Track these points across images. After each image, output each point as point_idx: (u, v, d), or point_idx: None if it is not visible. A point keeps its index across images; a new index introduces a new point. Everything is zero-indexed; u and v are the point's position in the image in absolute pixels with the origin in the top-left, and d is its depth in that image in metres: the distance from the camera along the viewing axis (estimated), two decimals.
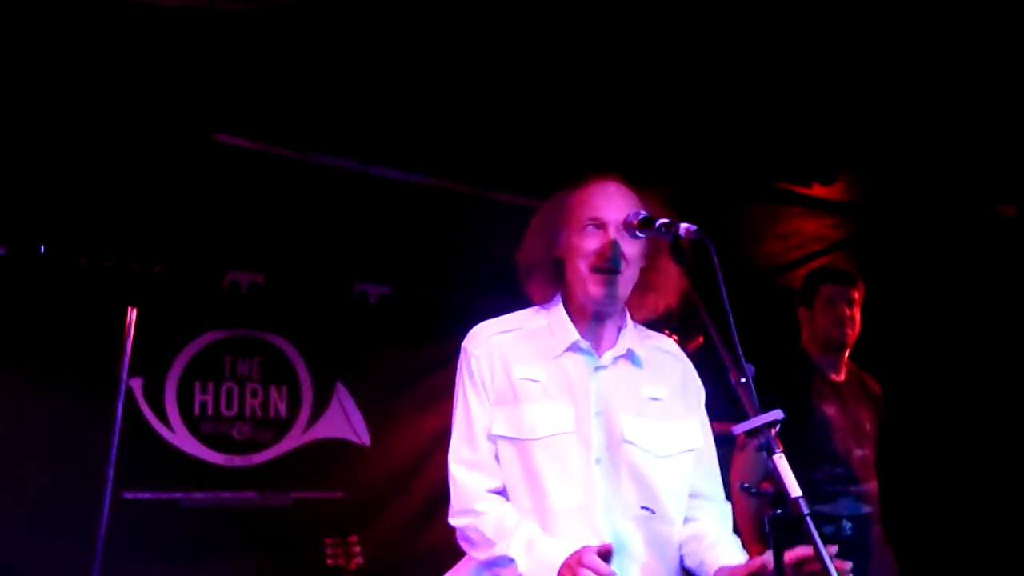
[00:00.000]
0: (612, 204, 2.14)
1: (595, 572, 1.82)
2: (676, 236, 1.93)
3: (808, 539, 1.59)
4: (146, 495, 4.31)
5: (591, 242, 2.11)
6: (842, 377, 3.49)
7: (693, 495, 2.22)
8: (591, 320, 2.17)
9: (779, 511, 1.64)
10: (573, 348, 2.15)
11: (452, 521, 2.12)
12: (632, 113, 3.63)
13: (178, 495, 4.41)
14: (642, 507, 2.07)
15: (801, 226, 4.82)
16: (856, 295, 3.48)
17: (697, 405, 2.28)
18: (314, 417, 4.86)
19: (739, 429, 1.68)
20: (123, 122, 3.45)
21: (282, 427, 4.79)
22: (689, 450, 2.19)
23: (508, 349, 2.16)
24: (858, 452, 3.35)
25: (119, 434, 3.07)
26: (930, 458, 4.83)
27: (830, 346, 3.47)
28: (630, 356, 2.19)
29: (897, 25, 3.15)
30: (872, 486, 3.36)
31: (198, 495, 4.46)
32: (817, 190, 4.22)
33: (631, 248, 2.11)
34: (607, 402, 2.11)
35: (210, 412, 4.62)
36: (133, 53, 3.08)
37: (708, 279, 1.85)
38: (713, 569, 2.06)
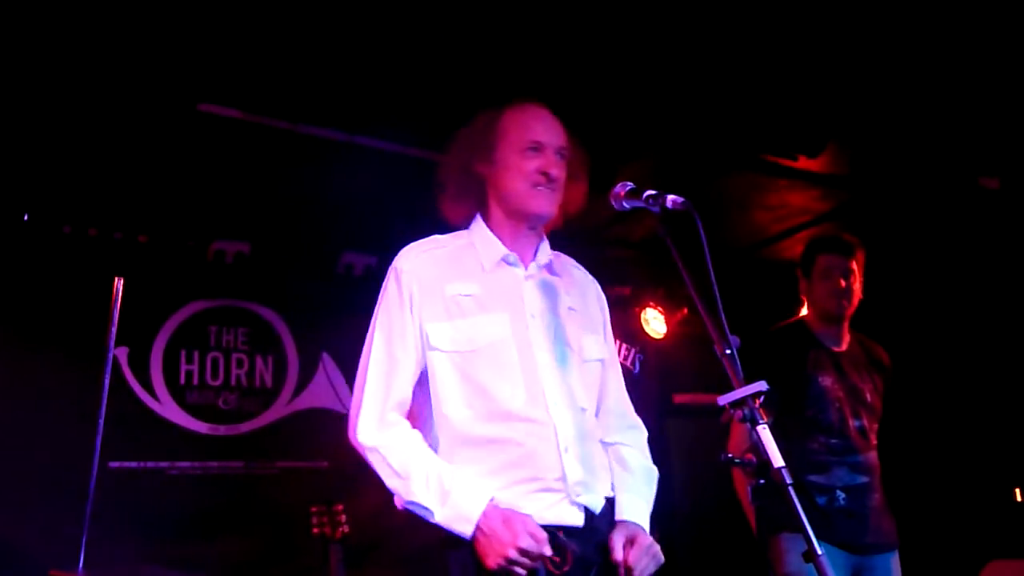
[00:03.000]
0: (550, 130, 2.23)
1: (533, 557, 1.89)
2: (663, 207, 1.94)
3: (791, 509, 1.60)
4: (132, 464, 4.32)
5: (533, 163, 2.18)
6: (843, 347, 3.49)
7: (620, 415, 2.33)
8: (519, 235, 2.24)
9: (762, 481, 1.66)
10: (503, 261, 2.22)
11: (354, 438, 2.16)
12: (619, 83, 3.62)
13: (164, 464, 4.42)
14: (580, 407, 2.16)
15: (787, 198, 4.84)
16: (854, 265, 3.45)
17: (602, 319, 2.38)
18: (300, 387, 4.87)
19: (724, 400, 1.69)
20: (108, 91, 3.42)
21: (268, 397, 4.79)
22: (598, 359, 2.29)
23: (438, 266, 2.20)
24: (855, 423, 3.36)
25: (106, 404, 3.07)
26: (921, 431, 4.88)
27: (828, 317, 3.46)
28: (549, 267, 2.29)
29: None
30: (870, 456, 3.37)
31: (184, 464, 4.47)
32: (803, 162, 4.23)
33: (563, 171, 2.22)
34: (541, 307, 2.21)
35: (196, 382, 4.63)
36: (118, 21, 3.05)
37: (694, 250, 1.86)
38: (620, 513, 2.15)
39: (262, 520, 4.53)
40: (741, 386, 1.68)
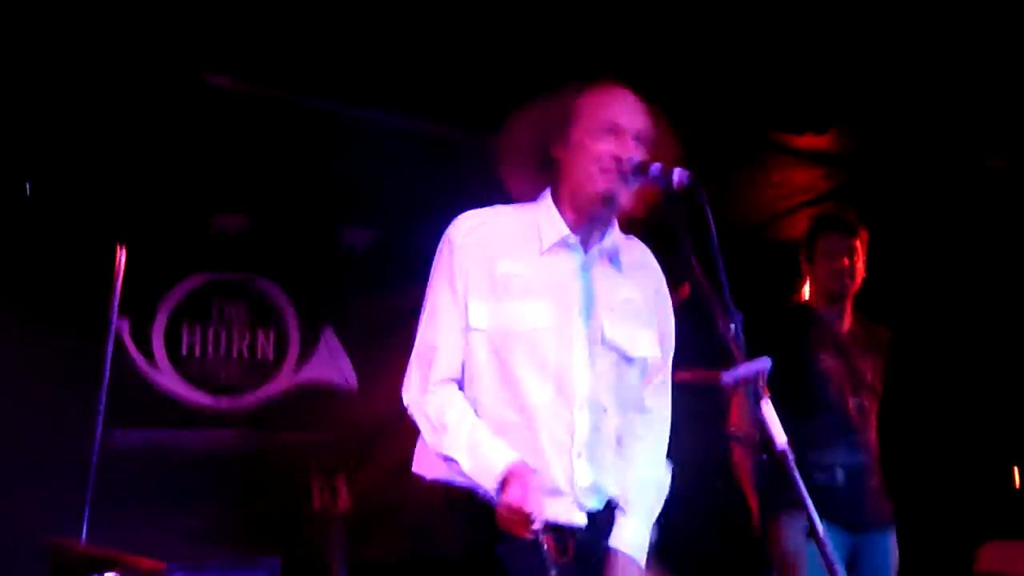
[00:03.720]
0: (630, 112, 2.12)
1: (533, 517, 1.86)
2: (669, 182, 1.92)
3: (792, 485, 1.61)
4: (134, 434, 4.33)
5: (607, 146, 2.07)
6: (845, 327, 3.48)
7: (643, 409, 2.25)
8: (585, 219, 2.15)
9: (764, 458, 1.66)
10: (561, 244, 2.14)
11: (404, 400, 2.17)
12: (624, 59, 3.59)
13: (165, 434, 4.43)
14: (604, 408, 2.11)
15: (791, 176, 4.82)
16: (857, 244, 3.42)
17: (665, 318, 2.29)
18: (302, 360, 4.88)
19: (727, 377, 1.69)
20: (111, 61, 3.40)
21: (269, 370, 4.80)
22: (646, 356, 2.21)
23: (493, 241, 2.13)
24: (855, 402, 3.36)
25: (108, 374, 3.07)
26: (921, 411, 4.88)
27: (831, 296, 3.45)
28: (613, 255, 2.20)
29: None
30: (869, 436, 3.38)
31: (185, 435, 4.49)
32: (808, 140, 4.21)
33: (640, 157, 2.08)
34: (589, 300, 2.12)
35: (197, 354, 4.63)
36: None
37: (699, 226, 1.85)
38: (616, 539, 2.11)
39: (263, 492, 4.54)
40: (744, 363, 1.68)
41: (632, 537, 2.12)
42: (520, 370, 2.06)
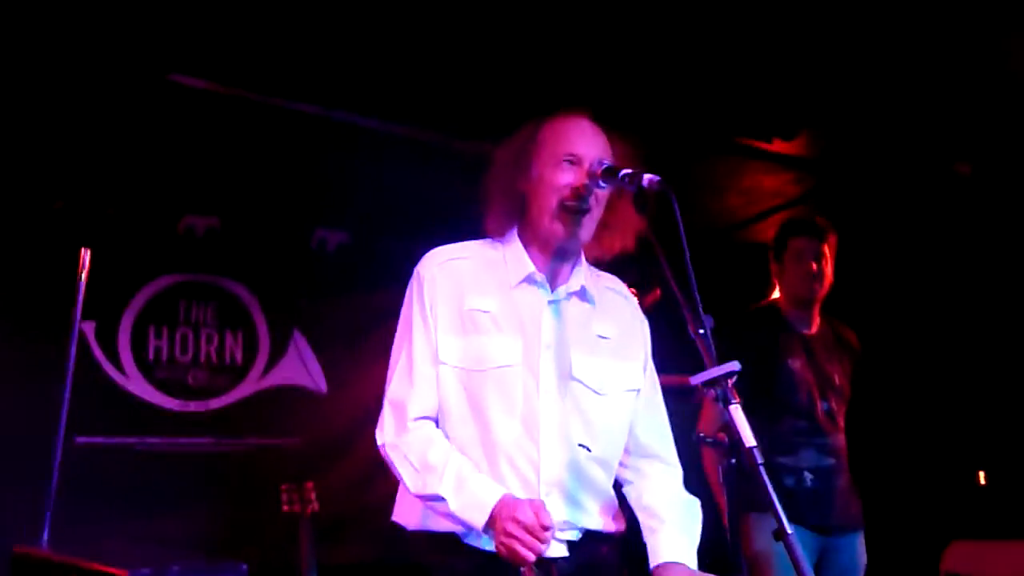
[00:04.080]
0: (588, 141, 2.12)
1: (532, 535, 1.83)
2: (639, 186, 1.92)
3: (762, 488, 1.61)
4: (99, 439, 4.28)
5: (565, 177, 2.08)
6: (813, 330, 3.51)
7: (645, 454, 2.23)
8: (549, 255, 2.15)
9: (733, 460, 1.67)
10: (528, 280, 2.13)
11: (379, 441, 2.11)
12: (593, 65, 3.60)
13: (132, 440, 4.38)
14: (579, 444, 2.09)
15: (761, 181, 4.85)
16: (826, 249, 3.45)
17: (642, 347, 2.28)
18: (271, 364, 4.84)
19: (697, 380, 1.69)
20: (77, 60, 3.36)
21: (238, 373, 4.76)
22: (631, 390, 2.21)
23: (461, 277, 2.13)
24: (823, 405, 3.39)
25: (71, 378, 3.02)
26: (888, 414, 4.93)
27: (799, 301, 3.47)
28: (582, 293, 2.19)
29: None
30: (838, 438, 3.40)
31: (152, 440, 4.44)
32: (777, 145, 4.24)
33: (601, 189, 2.10)
34: (558, 336, 2.11)
35: (164, 357, 4.58)
36: None
37: (669, 231, 1.85)
38: (656, 557, 2.08)
39: (231, 497, 4.50)
40: (714, 366, 1.68)
41: (677, 551, 2.08)
42: (488, 406, 2.05)
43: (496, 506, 1.90)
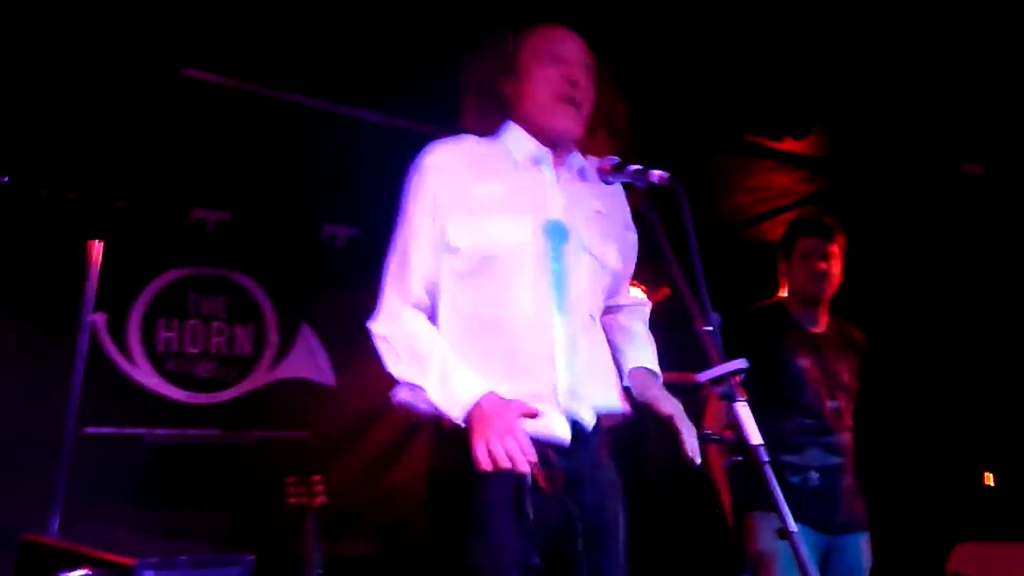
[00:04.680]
0: (574, 44, 2.18)
1: (522, 452, 1.80)
2: (648, 182, 1.93)
3: (766, 486, 1.61)
4: (109, 430, 4.30)
5: (558, 70, 2.12)
6: (821, 329, 3.50)
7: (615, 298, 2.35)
8: (547, 143, 2.18)
9: (738, 458, 1.67)
10: (534, 160, 2.16)
11: (369, 327, 2.12)
12: (605, 61, 3.60)
13: (141, 431, 4.41)
14: (589, 315, 2.14)
15: (771, 179, 4.85)
16: (834, 249, 3.43)
17: (626, 225, 2.32)
18: (279, 356, 4.86)
19: (703, 376, 1.70)
20: (90, 53, 3.37)
21: (247, 366, 4.78)
22: (616, 269, 2.26)
23: (466, 162, 2.14)
24: (831, 404, 3.38)
25: (82, 369, 3.05)
26: (895, 413, 4.93)
27: (807, 299, 3.46)
28: (581, 172, 2.22)
29: None
30: (844, 437, 3.39)
31: (161, 431, 4.46)
32: (788, 144, 4.23)
33: (590, 83, 2.15)
34: (565, 212, 2.14)
35: (174, 349, 4.60)
36: None
37: (677, 227, 1.85)
38: (629, 363, 2.19)
39: (239, 489, 4.53)
40: (721, 363, 1.69)
41: (646, 360, 2.22)
42: (500, 284, 2.06)
43: (473, 405, 1.89)
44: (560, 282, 2.08)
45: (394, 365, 2.04)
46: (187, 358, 4.63)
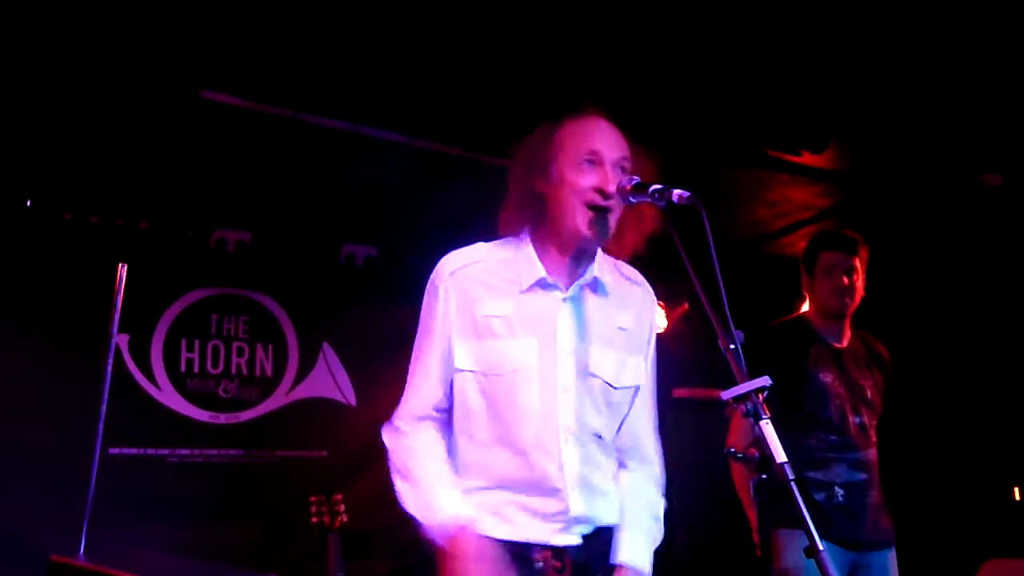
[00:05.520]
0: (609, 140, 2.13)
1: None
2: (669, 201, 1.93)
3: (793, 504, 1.60)
4: (132, 451, 4.33)
5: (588, 178, 2.09)
6: (844, 344, 3.48)
7: (629, 445, 2.28)
8: (568, 255, 2.17)
9: (764, 476, 1.66)
10: (539, 284, 2.16)
11: (382, 432, 2.26)
12: (622, 77, 3.61)
13: (164, 451, 4.43)
14: (595, 435, 2.15)
15: (789, 194, 4.83)
16: (857, 263, 3.43)
17: (650, 339, 2.32)
18: (300, 376, 4.88)
19: (727, 394, 1.69)
20: (111, 77, 3.41)
21: (268, 386, 4.80)
22: (637, 386, 2.25)
23: (474, 283, 2.16)
24: (855, 419, 3.36)
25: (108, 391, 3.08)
26: (921, 428, 4.89)
27: (830, 314, 3.45)
28: (595, 285, 2.20)
29: None
30: (870, 453, 3.37)
31: (184, 452, 4.48)
32: (806, 158, 4.22)
33: (630, 204, 2.12)
34: (573, 334, 2.15)
35: (196, 370, 4.63)
36: (122, 6, 3.04)
37: (698, 245, 1.85)
38: (615, 554, 2.15)
39: (261, 508, 4.54)
40: (744, 381, 1.68)
41: (633, 552, 2.14)
42: (508, 409, 2.10)
43: (449, 539, 2.00)
44: (566, 407, 2.11)
45: (397, 481, 2.18)
46: (209, 378, 4.66)
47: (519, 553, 2.06)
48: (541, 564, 2.02)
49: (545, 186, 2.15)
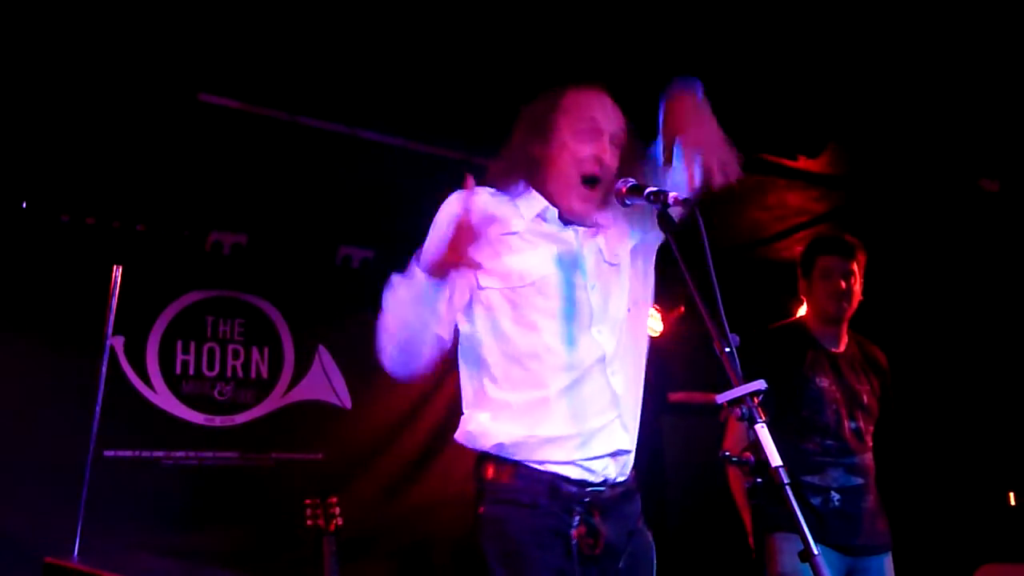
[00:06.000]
0: (609, 114, 2.20)
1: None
2: (665, 204, 1.94)
3: (788, 508, 1.60)
4: (127, 453, 4.32)
5: (587, 148, 2.15)
6: (841, 349, 3.48)
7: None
8: (563, 214, 2.22)
9: (759, 480, 1.66)
10: (541, 216, 2.21)
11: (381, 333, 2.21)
12: (618, 79, 3.61)
13: (159, 454, 4.42)
14: (628, 308, 2.20)
15: (785, 198, 4.83)
16: (854, 267, 3.43)
17: (643, 215, 2.32)
18: (296, 379, 4.87)
19: (722, 398, 1.69)
20: (107, 79, 3.41)
21: (264, 388, 4.79)
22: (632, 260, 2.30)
23: (487, 208, 2.15)
24: (851, 424, 3.36)
25: (102, 393, 3.08)
26: (917, 433, 4.89)
27: (827, 318, 3.45)
28: (594, 225, 2.26)
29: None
30: (866, 458, 3.37)
31: (179, 454, 4.47)
32: (802, 162, 4.22)
33: (615, 160, 2.19)
34: (582, 239, 2.20)
35: (192, 372, 4.62)
36: (118, 9, 3.04)
37: (694, 248, 1.85)
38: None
39: (256, 511, 4.53)
40: (740, 384, 1.68)
41: None
42: (537, 317, 2.11)
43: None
44: (597, 298, 2.15)
45: (384, 330, 2.15)
46: (204, 381, 4.65)
47: (550, 484, 2.06)
48: (576, 541, 2.03)
49: (542, 150, 2.20)
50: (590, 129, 2.16)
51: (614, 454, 2.12)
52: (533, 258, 2.15)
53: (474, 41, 3.31)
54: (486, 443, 2.12)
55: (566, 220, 2.22)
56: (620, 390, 2.13)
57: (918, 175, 4.48)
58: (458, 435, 2.21)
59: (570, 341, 2.10)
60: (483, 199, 2.20)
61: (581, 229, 2.22)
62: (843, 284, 3.40)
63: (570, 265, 2.15)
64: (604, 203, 2.20)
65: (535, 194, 2.22)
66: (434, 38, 3.29)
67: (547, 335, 2.10)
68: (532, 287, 2.12)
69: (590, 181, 2.15)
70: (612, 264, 2.23)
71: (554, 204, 2.20)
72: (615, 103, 2.24)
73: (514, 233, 2.16)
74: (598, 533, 2.06)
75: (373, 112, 3.79)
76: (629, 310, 2.22)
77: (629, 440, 2.16)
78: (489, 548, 2.05)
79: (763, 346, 3.45)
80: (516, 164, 2.24)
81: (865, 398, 3.43)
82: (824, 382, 3.37)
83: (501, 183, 2.27)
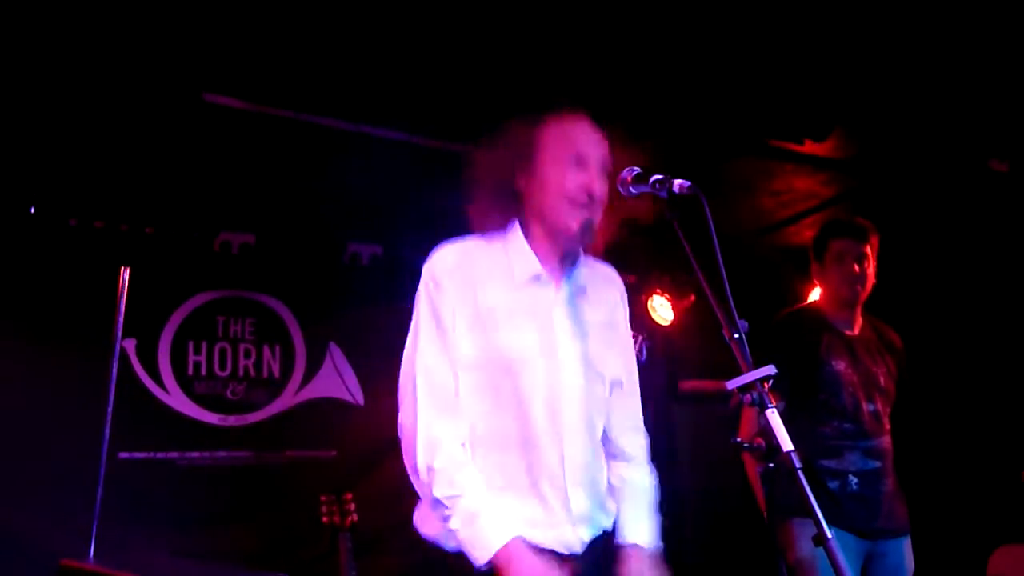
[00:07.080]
0: (593, 141, 2.15)
1: None
2: (670, 192, 1.93)
3: (801, 492, 1.60)
4: (142, 455, 4.34)
5: (575, 178, 2.10)
6: (856, 332, 3.47)
7: (618, 442, 2.28)
8: (557, 254, 2.18)
9: (771, 465, 1.66)
10: (533, 280, 2.16)
11: (414, 467, 2.15)
12: (625, 66, 3.60)
13: (173, 455, 4.44)
14: (592, 427, 2.16)
15: (793, 183, 4.82)
16: (868, 250, 3.42)
17: (626, 333, 2.33)
18: (308, 377, 4.88)
19: (732, 384, 1.69)
20: (113, 81, 3.42)
21: (276, 387, 4.80)
22: (620, 380, 2.26)
23: (473, 274, 2.14)
24: (868, 407, 3.34)
25: (113, 395, 3.09)
26: (932, 415, 4.87)
27: (841, 302, 3.44)
28: (582, 289, 2.22)
29: None
30: (883, 441, 3.36)
31: (193, 454, 4.49)
32: (809, 147, 4.20)
33: (605, 188, 2.14)
34: (569, 327, 2.16)
35: (204, 372, 4.63)
36: (123, 10, 3.04)
37: (701, 235, 1.85)
38: (621, 536, 2.15)
39: (271, 510, 4.54)
40: (750, 370, 1.68)
41: (639, 533, 2.15)
42: (511, 399, 2.08)
43: (500, 550, 1.94)
44: (571, 400, 2.11)
45: (430, 506, 2.09)
46: (217, 381, 4.66)
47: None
48: None
49: (527, 185, 2.16)
50: (579, 161, 2.11)
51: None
52: (516, 339, 2.10)
53: (479, 33, 3.30)
54: None
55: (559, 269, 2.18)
56: (576, 501, 2.10)
57: (927, 157, 4.45)
58: None
59: (538, 432, 2.09)
60: (474, 256, 2.17)
61: (574, 299, 2.18)
62: (857, 268, 3.39)
63: (551, 354, 2.11)
64: (596, 232, 2.17)
65: (526, 247, 2.17)
66: (438, 32, 3.28)
67: (522, 426, 2.08)
68: (508, 369, 2.08)
69: (580, 212, 2.11)
70: (602, 380, 2.21)
71: (547, 233, 2.16)
72: (595, 125, 2.18)
73: (500, 307, 2.11)
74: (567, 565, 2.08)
75: (379, 108, 3.79)
76: (595, 429, 2.18)
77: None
78: None
79: (778, 331, 3.44)
80: (500, 198, 2.19)
81: (882, 380, 3.42)
82: (840, 365, 3.36)
83: (486, 220, 2.23)
